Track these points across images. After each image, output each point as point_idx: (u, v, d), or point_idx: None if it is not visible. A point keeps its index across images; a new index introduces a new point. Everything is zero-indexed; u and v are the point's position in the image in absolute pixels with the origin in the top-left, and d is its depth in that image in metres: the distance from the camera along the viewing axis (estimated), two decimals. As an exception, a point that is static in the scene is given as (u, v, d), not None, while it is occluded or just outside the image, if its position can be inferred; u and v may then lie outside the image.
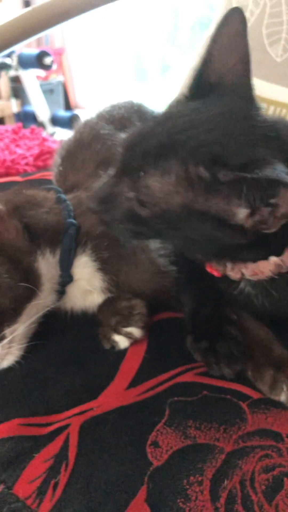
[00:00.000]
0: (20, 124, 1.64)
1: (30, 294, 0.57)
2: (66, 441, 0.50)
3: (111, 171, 0.56)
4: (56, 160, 0.87)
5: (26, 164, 1.36)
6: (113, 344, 0.59)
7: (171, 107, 0.59)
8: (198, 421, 0.51)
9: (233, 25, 0.56)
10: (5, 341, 0.56)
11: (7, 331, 0.56)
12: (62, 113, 3.62)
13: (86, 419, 0.52)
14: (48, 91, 3.79)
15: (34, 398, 0.55)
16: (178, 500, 0.44)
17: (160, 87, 4.11)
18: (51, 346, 0.62)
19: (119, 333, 0.59)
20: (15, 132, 1.59)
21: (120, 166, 0.54)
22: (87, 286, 0.63)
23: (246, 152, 0.48)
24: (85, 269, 0.63)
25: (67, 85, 4.07)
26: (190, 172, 0.48)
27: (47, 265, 0.60)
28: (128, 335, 0.59)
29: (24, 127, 3.76)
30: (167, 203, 0.50)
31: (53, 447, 0.50)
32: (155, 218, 0.51)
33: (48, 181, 0.92)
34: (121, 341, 0.59)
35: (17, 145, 1.47)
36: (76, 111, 4.19)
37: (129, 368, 0.57)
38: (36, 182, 0.96)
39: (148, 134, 0.53)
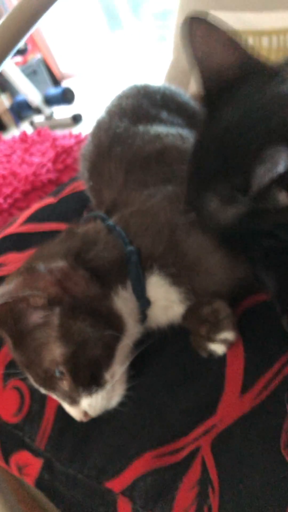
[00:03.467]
0: (24, 131, 1.61)
1: (118, 336, 0.58)
2: (204, 465, 0.52)
3: None
4: (83, 173, 0.85)
5: (48, 171, 1.34)
6: (211, 353, 0.60)
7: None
8: None
9: (197, 34, 0.54)
10: (108, 386, 0.57)
11: (107, 376, 0.58)
12: (53, 90, 3.54)
13: (214, 437, 0.53)
14: (32, 73, 3.71)
15: (157, 427, 0.57)
16: None
17: (136, 30, 3.93)
18: (152, 369, 0.63)
19: (213, 341, 0.59)
20: (23, 140, 1.57)
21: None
22: (166, 303, 0.64)
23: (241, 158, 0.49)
24: (158, 288, 0.63)
25: (47, 60, 3.95)
26: (223, 195, 0.50)
27: (123, 301, 0.60)
28: (223, 342, 0.59)
29: (21, 117, 3.73)
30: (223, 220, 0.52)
31: (194, 474, 0.52)
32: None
33: (82, 194, 0.90)
34: (218, 348, 0.59)
35: (31, 154, 1.45)
36: (64, 83, 4.10)
37: (234, 373, 0.58)
38: (70, 199, 0.95)
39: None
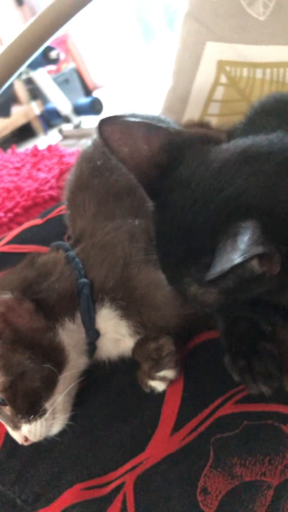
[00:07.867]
0: (35, 146, 1.65)
1: (58, 369, 0.59)
2: (124, 502, 0.53)
3: None
4: (64, 201, 0.88)
5: (50, 187, 1.38)
6: (152, 389, 0.61)
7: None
8: (243, 457, 0.52)
9: (113, 135, 0.54)
10: (47, 414, 0.59)
11: (46, 405, 0.59)
12: (82, 100, 3.59)
13: (138, 474, 0.54)
14: (64, 82, 3.77)
15: (90, 459, 0.58)
16: None
17: (170, 42, 3.94)
18: (97, 401, 0.64)
19: (153, 378, 0.60)
20: (34, 154, 1.61)
21: None
22: (116, 335, 0.65)
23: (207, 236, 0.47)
24: (108, 321, 0.64)
25: (80, 69, 4.02)
26: (200, 278, 0.48)
27: (69, 334, 0.62)
28: (162, 379, 0.60)
29: (50, 124, 3.80)
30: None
31: (114, 510, 0.53)
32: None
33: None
34: (158, 386, 0.60)
35: (39, 169, 1.49)
36: (96, 92, 4.16)
37: (170, 412, 0.58)
38: (56, 221, 0.98)
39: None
